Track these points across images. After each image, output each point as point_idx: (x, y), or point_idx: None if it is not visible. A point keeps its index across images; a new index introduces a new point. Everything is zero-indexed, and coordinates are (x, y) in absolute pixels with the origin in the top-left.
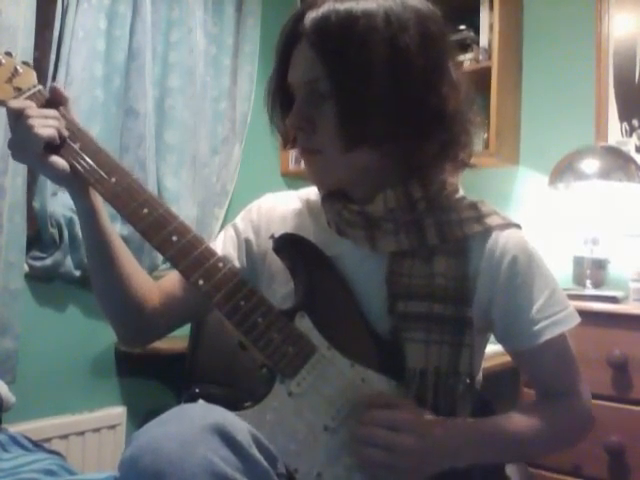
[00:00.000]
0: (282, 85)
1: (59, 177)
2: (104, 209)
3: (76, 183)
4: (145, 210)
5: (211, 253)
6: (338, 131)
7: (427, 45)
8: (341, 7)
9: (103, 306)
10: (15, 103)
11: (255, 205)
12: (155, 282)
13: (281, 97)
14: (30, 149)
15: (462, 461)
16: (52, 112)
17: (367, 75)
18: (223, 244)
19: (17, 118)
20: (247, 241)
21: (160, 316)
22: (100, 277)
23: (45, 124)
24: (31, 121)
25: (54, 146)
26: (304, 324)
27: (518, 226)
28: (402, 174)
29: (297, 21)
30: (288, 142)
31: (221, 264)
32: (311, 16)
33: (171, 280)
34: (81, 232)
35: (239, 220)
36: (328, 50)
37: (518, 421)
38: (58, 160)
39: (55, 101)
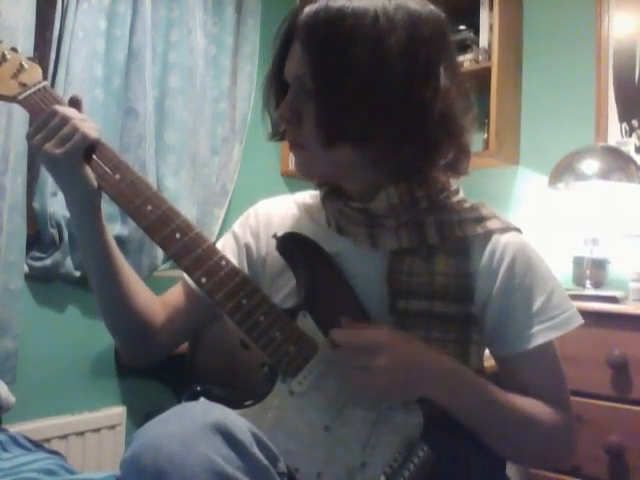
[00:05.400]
0: (279, 78)
1: (87, 191)
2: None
3: (97, 200)
4: (149, 207)
5: (214, 251)
6: (317, 127)
7: (414, 48)
8: (334, 5)
9: (111, 326)
10: (61, 108)
11: (251, 211)
12: (158, 298)
13: (277, 89)
14: (73, 153)
15: (436, 391)
16: (85, 116)
17: (346, 73)
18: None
19: (61, 120)
20: (247, 246)
21: (167, 331)
22: (107, 298)
23: (90, 126)
24: (76, 122)
25: (88, 155)
26: (306, 323)
27: (518, 230)
28: (395, 173)
29: (295, 16)
30: (277, 134)
31: (224, 262)
32: (305, 12)
33: (175, 293)
34: (86, 256)
35: (237, 227)
36: (312, 46)
37: (507, 395)
38: (90, 173)
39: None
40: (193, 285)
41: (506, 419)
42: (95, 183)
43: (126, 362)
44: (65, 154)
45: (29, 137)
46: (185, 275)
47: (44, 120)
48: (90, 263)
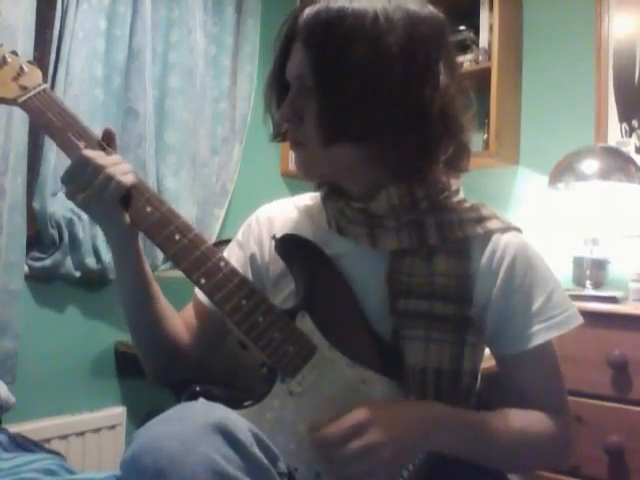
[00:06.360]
0: (280, 79)
1: (123, 230)
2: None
3: (134, 235)
4: (148, 208)
5: (213, 252)
6: (318, 125)
7: (413, 47)
8: (334, 5)
9: (142, 352)
10: (93, 155)
11: (253, 218)
12: (180, 318)
13: (279, 90)
14: (109, 200)
15: (437, 444)
16: (117, 157)
17: (346, 72)
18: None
19: (94, 170)
20: (252, 255)
21: (193, 350)
22: (141, 327)
23: (124, 170)
24: (110, 171)
25: (125, 199)
26: (305, 324)
27: (519, 230)
28: (396, 173)
29: (296, 17)
30: (279, 134)
31: (222, 263)
32: (305, 12)
33: (189, 310)
34: (122, 286)
35: (240, 236)
36: (313, 45)
37: (500, 419)
38: (124, 211)
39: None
40: (203, 300)
41: (503, 448)
42: (128, 220)
43: (152, 382)
44: (100, 204)
45: (63, 182)
46: (196, 290)
47: (76, 168)
48: (126, 295)
